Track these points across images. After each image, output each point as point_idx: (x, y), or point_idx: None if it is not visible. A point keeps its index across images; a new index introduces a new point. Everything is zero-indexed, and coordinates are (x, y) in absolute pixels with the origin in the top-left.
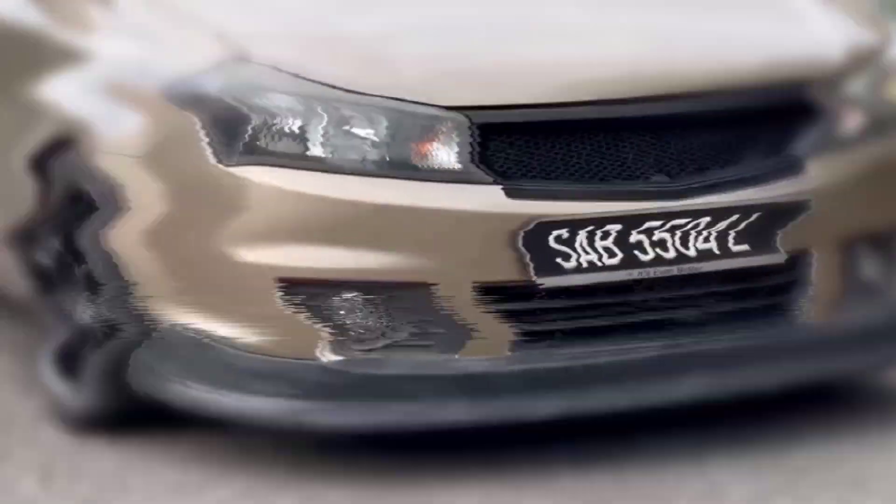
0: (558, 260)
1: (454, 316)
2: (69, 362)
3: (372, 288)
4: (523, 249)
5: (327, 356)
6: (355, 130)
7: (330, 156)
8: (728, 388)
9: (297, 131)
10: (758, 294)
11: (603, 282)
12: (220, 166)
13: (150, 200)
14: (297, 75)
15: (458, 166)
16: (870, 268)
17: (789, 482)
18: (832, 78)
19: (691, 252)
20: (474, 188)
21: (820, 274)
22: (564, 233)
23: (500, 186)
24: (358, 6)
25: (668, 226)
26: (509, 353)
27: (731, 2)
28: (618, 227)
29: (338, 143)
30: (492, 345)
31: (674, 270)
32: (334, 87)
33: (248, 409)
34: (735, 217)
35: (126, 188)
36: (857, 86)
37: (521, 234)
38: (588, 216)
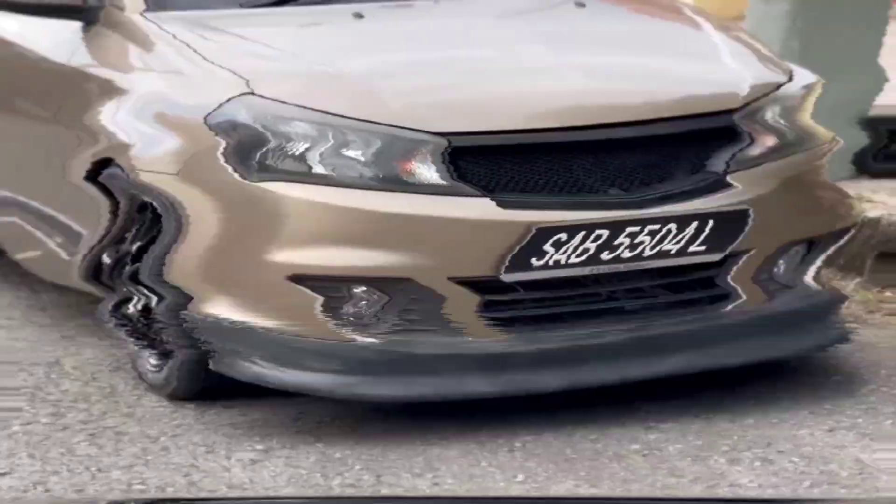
0: (533, 259)
1: (439, 306)
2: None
3: (377, 282)
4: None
5: (355, 338)
6: (356, 152)
7: (333, 173)
8: (697, 364)
9: (308, 153)
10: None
11: (577, 275)
12: (245, 181)
13: (187, 212)
14: (305, 106)
15: (441, 181)
16: (795, 265)
17: (715, 443)
18: (744, 107)
19: (652, 252)
20: (454, 199)
21: (753, 271)
22: (564, 236)
23: (490, 199)
24: (347, 49)
25: (641, 230)
26: (517, 335)
27: (663, 45)
28: (605, 231)
29: (341, 163)
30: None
31: (633, 266)
32: (341, 115)
33: (304, 382)
34: (694, 223)
35: (174, 203)
36: (765, 113)
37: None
38: (564, 223)
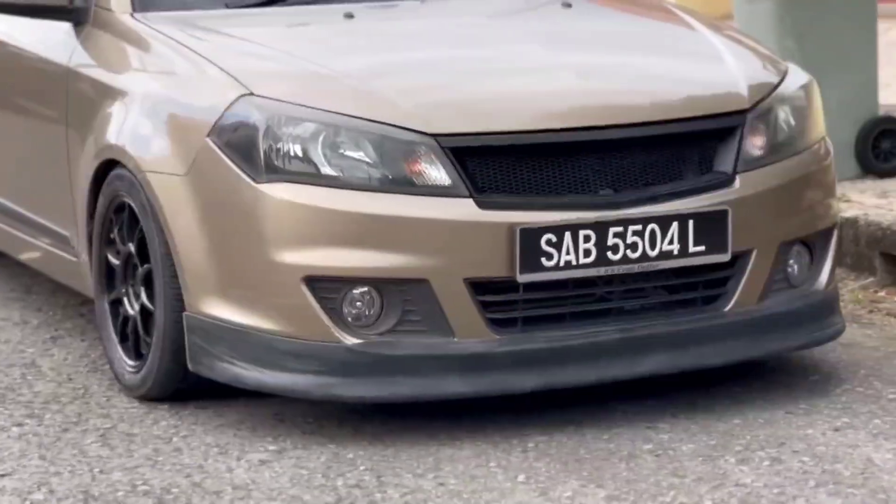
0: (542, 259)
1: (446, 306)
2: (134, 347)
3: (379, 283)
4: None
5: (347, 339)
6: (364, 152)
7: (341, 174)
8: (679, 365)
9: (316, 153)
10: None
11: (590, 276)
12: (253, 183)
13: (192, 212)
14: (314, 107)
15: (446, 182)
16: (795, 264)
17: (727, 442)
18: (743, 108)
19: (655, 253)
20: (458, 201)
21: (754, 269)
22: (552, 237)
23: (480, 199)
24: (342, 50)
25: (625, 231)
26: (498, 336)
27: (660, 45)
28: (588, 232)
29: (348, 164)
30: (479, 329)
31: (635, 268)
32: (350, 115)
33: (284, 384)
34: (675, 224)
35: (170, 202)
36: (768, 113)
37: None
38: (547, 224)
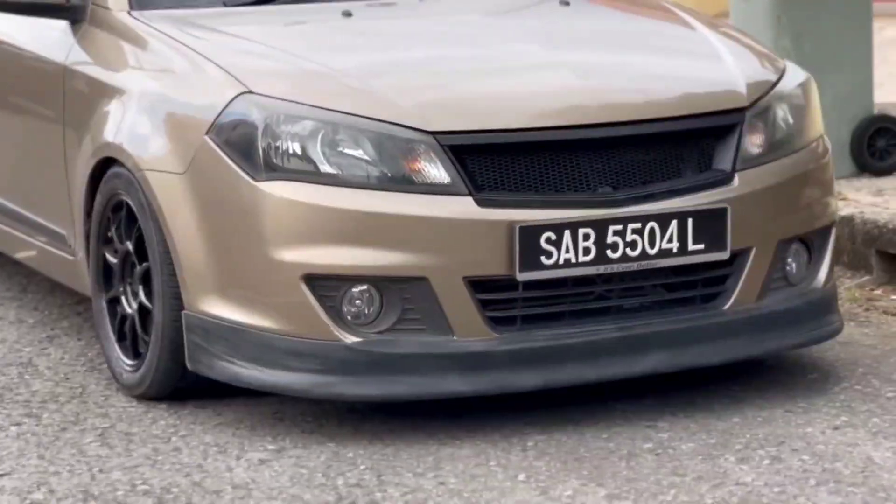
0: (542, 258)
1: (445, 305)
2: (132, 345)
3: (378, 281)
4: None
5: (347, 337)
6: (362, 150)
7: (340, 172)
8: (678, 363)
9: (315, 151)
10: (699, 284)
11: (590, 274)
12: (252, 181)
13: (191, 211)
14: (313, 105)
15: (445, 180)
16: (793, 262)
17: (727, 441)
18: (742, 106)
19: (654, 251)
20: (457, 199)
21: (753, 267)
22: (552, 235)
23: (479, 197)
24: (340, 48)
25: (625, 229)
26: (497, 335)
27: (658, 43)
28: (588, 230)
29: (347, 161)
30: (478, 328)
31: (634, 266)
32: (350, 114)
33: (284, 382)
34: (674, 222)
35: (169, 200)
36: (767, 111)
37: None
38: (547, 222)
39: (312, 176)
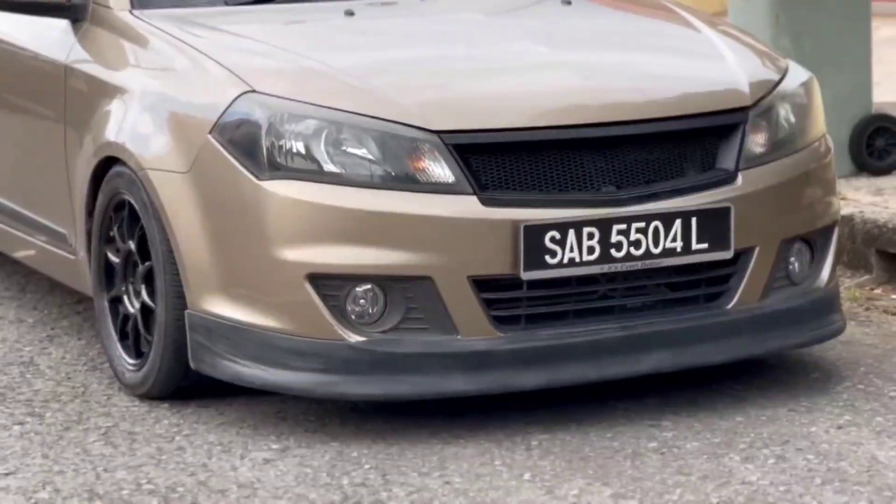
0: (546, 257)
1: (450, 304)
2: (134, 345)
3: (382, 280)
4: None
5: (350, 337)
6: (366, 149)
7: (344, 171)
8: (680, 362)
9: (319, 150)
10: (703, 283)
11: (594, 273)
12: (256, 180)
13: (194, 210)
14: (316, 104)
15: (450, 179)
16: (796, 262)
17: (731, 440)
18: (745, 106)
19: (658, 250)
20: (462, 198)
21: (756, 266)
22: (556, 234)
23: (483, 196)
24: (343, 47)
25: (629, 228)
26: (501, 334)
27: (661, 43)
28: (592, 229)
29: (351, 161)
30: (482, 327)
31: (638, 265)
32: (353, 112)
33: (287, 381)
34: (678, 221)
35: (172, 199)
36: (771, 111)
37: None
38: (552, 221)
39: (316, 175)
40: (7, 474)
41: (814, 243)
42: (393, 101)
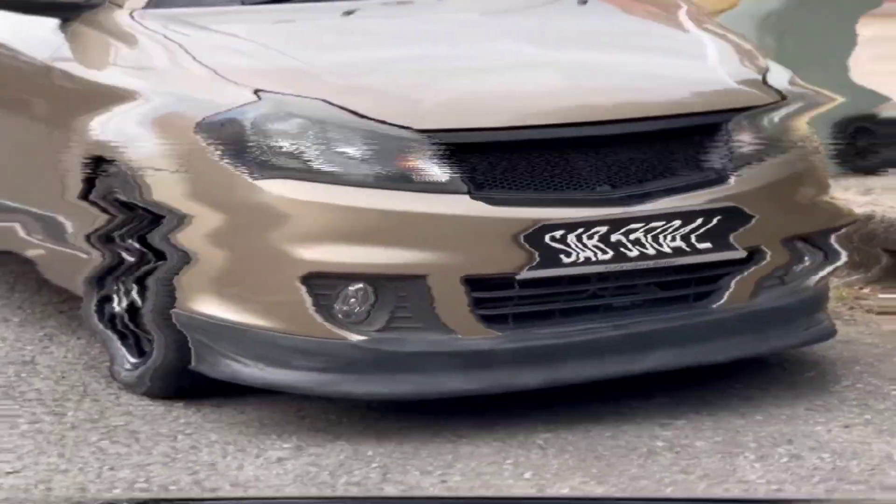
0: (561, 256)
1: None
2: (134, 344)
3: (375, 279)
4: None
5: (352, 336)
6: (353, 148)
7: (333, 170)
8: (679, 361)
9: (312, 149)
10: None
11: (604, 271)
12: (244, 180)
13: (186, 210)
14: (305, 100)
15: (443, 179)
16: (791, 261)
17: (739, 439)
18: (734, 106)
19: (652, 250)
20: (455, 197)
21: (753, 266)
22: (559, 233)
23: (473, 195)
24: (341, 46)
25: (634, 226)
26: (500, 334)
27: (650, 43)
28: (604, 228)
29: (344, 160)
30: (478, 326)
31: (635, 265)
32: (351, 111)
33: (288, 380)
34: (677, 221)
35: (167, 199)
36: (761, 112)
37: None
38: (562, 221)
39: (304, 174)
40: (12, 472)
41: (811, 242)
42: (386, 100)
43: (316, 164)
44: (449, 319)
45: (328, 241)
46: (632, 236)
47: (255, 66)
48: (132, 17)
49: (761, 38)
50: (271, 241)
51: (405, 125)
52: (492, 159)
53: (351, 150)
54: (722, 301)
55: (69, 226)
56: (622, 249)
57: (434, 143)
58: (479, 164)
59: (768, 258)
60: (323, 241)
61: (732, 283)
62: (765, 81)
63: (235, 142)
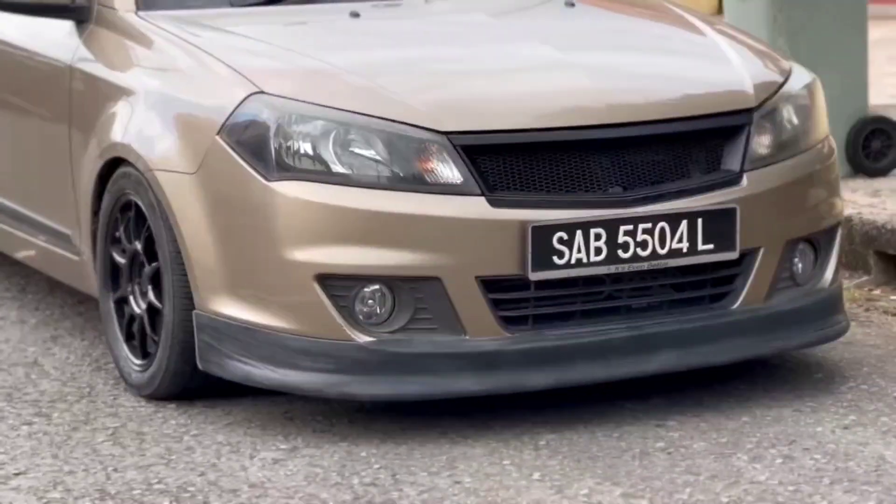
0: (554, 258)
1: (458, 304)
2: (140, 345)
3: (391, 280)
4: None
5: (359, 337)
6: (374, 150)
7: (352, 172)
8: (687, 362)
9: (327, 150)
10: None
11: (601, 273)
12: (264, 181)
13: (202, 211)
14: (324, 105)
15: (458, 180)
16: (800, 262)
17: (738, 440)
18: (750, 107)
19: (664, 251)
20: (470, 199)
21: (761, 267)
22: (564, 234)
23: (491, 197)
24: (349, 48)
25: (643, 227)
26: (509, 335)
27: (665, 45)
28: (599, 230)
29: (359, 161)
30: (490, 327)
31: (645, 266)
32: (362, 114)
33: (296, 382)
34: (684, 222)
35: (179, 200)
36: (775, 112)
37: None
38: (560, 221)
39: (324, 176)
40: (17, 474)
41: (817, 244)
42: (402, 102)
43: (337, 167)
44: (469, 321)
45: (346, 242)
46: (641, 237)
47: (277, 68)
48: (147, 19)
49: (773, 41)
50: (289, 242)
51: (429, 127)
52: (507, 161)
53: (372, 153)
54: (737, 303)
55: (83, 226)
56: (631, 251)
57: (455, 145)
58: (494, 166)
59: (775, 259)
60: (341, 242)
61: (747, 285)
62: (785, 83)
63: (258, 143)
